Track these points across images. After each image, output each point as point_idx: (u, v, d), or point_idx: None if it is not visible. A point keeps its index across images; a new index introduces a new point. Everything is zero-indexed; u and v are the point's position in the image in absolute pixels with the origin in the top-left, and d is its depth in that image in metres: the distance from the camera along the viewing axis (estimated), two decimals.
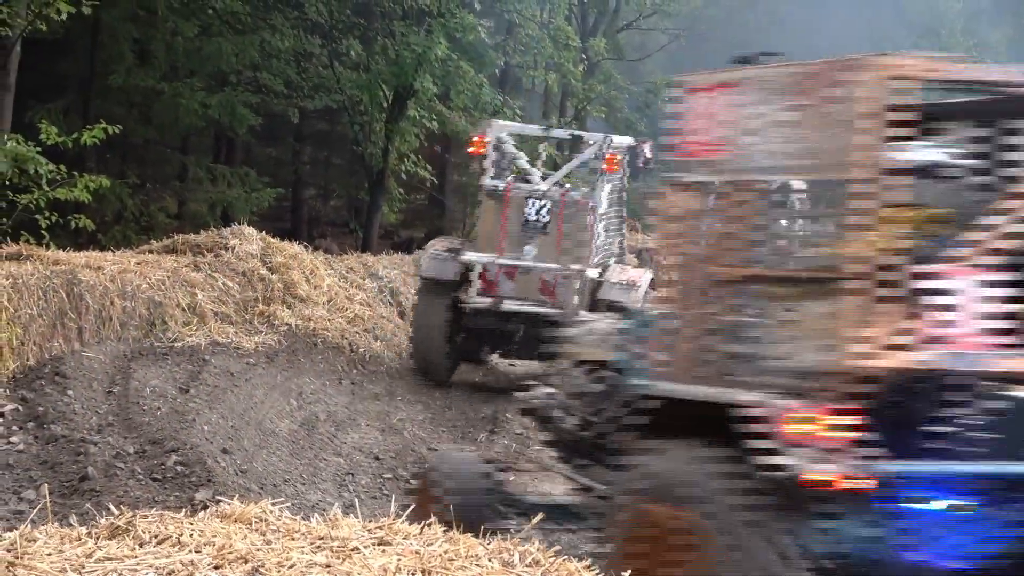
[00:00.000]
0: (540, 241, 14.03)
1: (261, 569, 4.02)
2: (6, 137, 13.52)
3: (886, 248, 4.73)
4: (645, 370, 5.61)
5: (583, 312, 13.15)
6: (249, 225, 16.85)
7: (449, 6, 22.84)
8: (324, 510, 7.42)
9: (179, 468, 8.90)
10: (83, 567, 4.00)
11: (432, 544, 4.36)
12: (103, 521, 4.57)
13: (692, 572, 4.80)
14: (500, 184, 14.24)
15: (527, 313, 13.83)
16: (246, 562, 4.07)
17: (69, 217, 13.95)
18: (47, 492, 7.69)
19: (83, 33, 20.61)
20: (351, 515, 4.84)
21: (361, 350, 15.04)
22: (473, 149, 14.57)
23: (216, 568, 4.04)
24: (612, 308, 12.47)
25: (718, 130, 5.33)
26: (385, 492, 9.74)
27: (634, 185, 15.87)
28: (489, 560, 4.27)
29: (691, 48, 31.86)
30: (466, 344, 14.38)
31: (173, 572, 3.98)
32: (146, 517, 4.53)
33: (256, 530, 4.49)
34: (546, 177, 14.53)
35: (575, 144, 15.97)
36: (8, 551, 4.10)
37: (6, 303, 10.57)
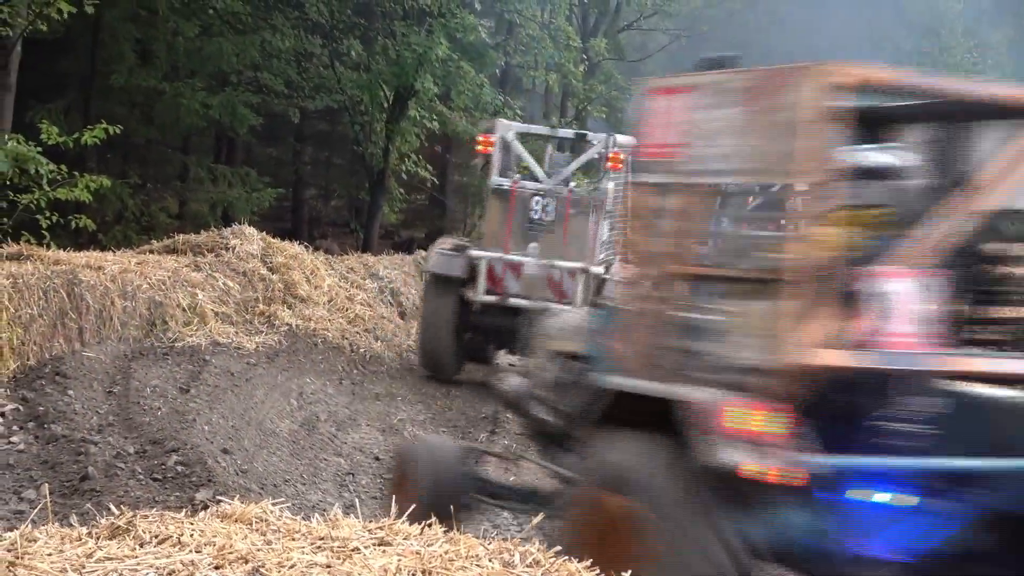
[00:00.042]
0: (545, 239, 14.20)
1: (261, 569, 4.02)
2: (7, 137, 13.52)
3: (826, 249, 4.87)
4: (606, 362, 5.78)
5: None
6: (250, 225, 16.86)
7: (450, 6, 22.85)
8: (324, 510, 7.42)
9: (179, 468, 8.89)
10: (83, 567, 4.00)
11: (432, 544, 4.36)
12: (103, 521, 4.57)
13: (639, 561, 4.87)
14: (506, 182, 14.43)
15: (533, 309, 13.92)
16: (246, 562, 4.07)
17: (70, 217, 13.96)
18: (47, 492, 7.69)
19: (84, 33, 20.60)
20: (351, 515, 4.84)
21: (362, 350, 15.05)
22: (480, 148, 14.79)
23: (216, 568, 4.04)
24: None
25: (675, 133, 5.51)
26: (386, 492, 9.74)
27: None
28: (490, 560, 4.27)
29: (692, 48, 31.81)
30: (473, 342, 14.49)
31: (173, 572, 3.98)
32: (146, 517, 4.53)
33: (256, 530, 4.49)
34: (551, 176, 14.65)
35: (580, 144, 16.09)
36: (8, 551, 4.10)
37: (7, 303, 10.57)
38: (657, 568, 4.68)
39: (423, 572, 4.10)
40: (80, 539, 4.31)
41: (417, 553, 4.23)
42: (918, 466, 5.07)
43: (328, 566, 4.07)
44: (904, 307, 5.05)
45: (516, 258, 14.13)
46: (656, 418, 5.23)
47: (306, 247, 17.19)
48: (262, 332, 14.15)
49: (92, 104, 21.00)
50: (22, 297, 10.86)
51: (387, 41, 23.53)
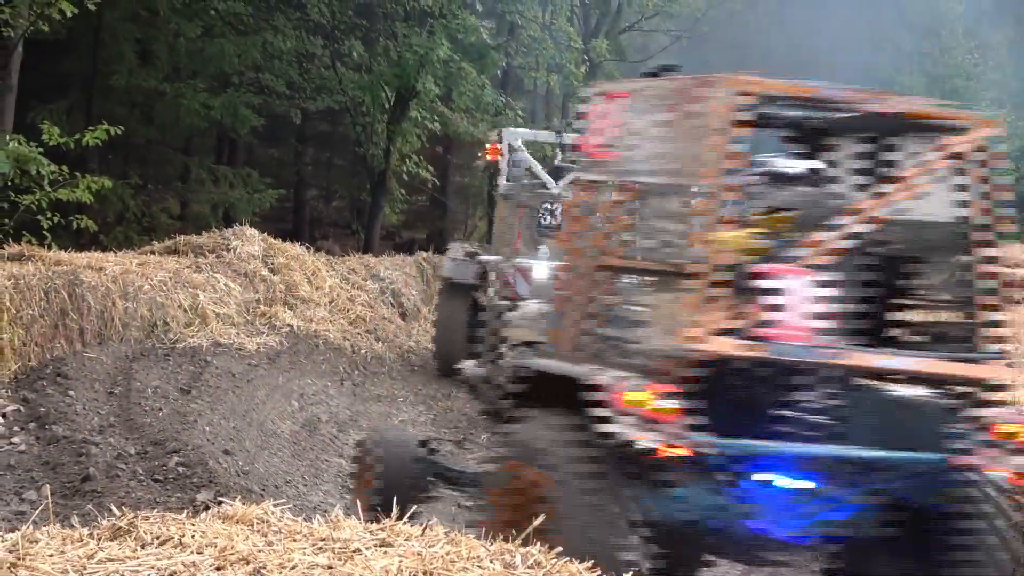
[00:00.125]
0: (554, 243, 14.33)
1: (263, 570, 4.02)
2: (8, 138, 13.53)
3: (725, 247, 5.31)
4: (542, 348, 6.19)
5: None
6: (251, 226, 16.90)
7: (451, 7, 22.87)
8: (326, 511, 7.42)
9: (181, 469, 8.90)
10: (85, 568, 4.00)
11: (434, 545, 4.36)
12: (105, 522, 4.57)
13: (546, 531, 5.00)
14: (512, 187, 14.74)
15: None
16: (248, 563, 4.07)
17: (71, 218, 13.98)
18: (49, 493, 7.68)
19: (85, 33, 20.62)
20: (352, 516, 4.85)
21: (363, 351, 15.06)
22: (488, 156, 15.19)
23: (218, 569, 4.04)
24: None
25: (611, 134, 5.95)
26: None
27: None
28: (491, 561, 4.27)
29: (693, 49, 31.83)
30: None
31: (175, 573, 3.98)
32: (148, 518, 4.53)
33: (258, 531, 4.49)
34: (558, 181, 14.80)
35: None
36: (10, 552, 4.10)
37: (8, 304, 10.58)
38: (560, 535, 4.81)
39: (424, 573, 4.10)
40: (81, 540, 4.31)
41: (418, 554, 4.23)
42: (815, 453, 5.41)
43: (329, 567, 4.07)
44: (798, 303, 5.42)
45: (526, 262, 14.30)
46: (567, 398, 5.53)
47: (307, 248, 17.21)
48: (263, 333, 14.16)
49: (93, 105, 21.03)
50: (23, 298, 10.87)
51: (388, 42, 23.55)
